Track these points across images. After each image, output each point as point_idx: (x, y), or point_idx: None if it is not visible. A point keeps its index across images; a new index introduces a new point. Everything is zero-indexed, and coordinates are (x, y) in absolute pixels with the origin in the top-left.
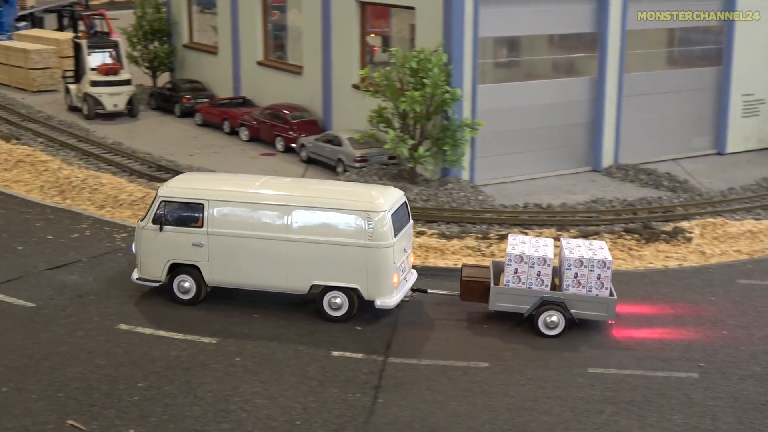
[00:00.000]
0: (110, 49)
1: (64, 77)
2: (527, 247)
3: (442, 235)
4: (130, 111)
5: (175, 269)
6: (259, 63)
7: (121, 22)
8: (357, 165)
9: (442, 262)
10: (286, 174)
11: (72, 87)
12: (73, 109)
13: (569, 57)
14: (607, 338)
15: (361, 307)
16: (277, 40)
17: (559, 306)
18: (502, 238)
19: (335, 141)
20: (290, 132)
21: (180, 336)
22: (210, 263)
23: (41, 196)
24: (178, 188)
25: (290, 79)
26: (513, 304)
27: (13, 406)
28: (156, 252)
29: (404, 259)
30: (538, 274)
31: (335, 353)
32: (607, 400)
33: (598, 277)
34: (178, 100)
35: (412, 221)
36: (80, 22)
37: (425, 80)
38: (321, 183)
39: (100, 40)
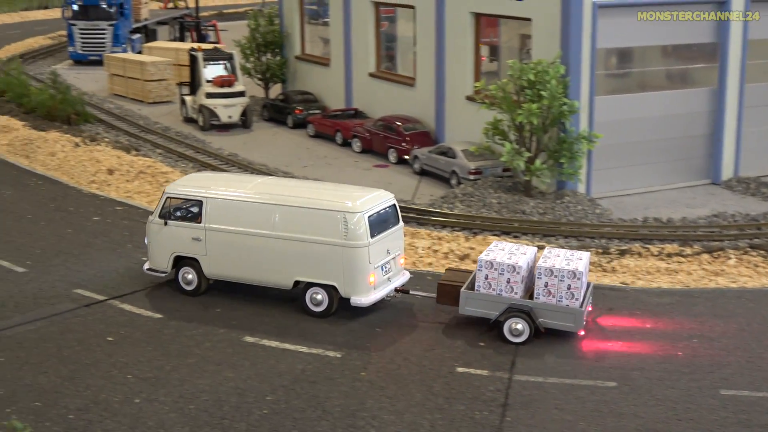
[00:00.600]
0: (225, 62)
1: (180, 85)
2: (504, 254)
3: None
4: (244, 122)
5: (180, 262)
6: (371, 74)
7: (230, 33)
8: (471, 177)
9: None
10: (400, 186)
11: (188, 99)
12: (189, 120)
13: (687, 68)
14: (739, 359)
15: (343, 305)
16: (386, 51)
17: (525, 314)
18: (623, 253)
19: (449, 153)
20: (403, 144)
21: (305, 349)
22: (207, 257)
23: None
24: (182, 186)
25: (402, 90)
26: (482, 309)
27: (146, 418)
28: (162, 245)
29: (388, 260)
30: (508, 281)
31: (460, 369)
32: (741, 423)
33: (569, 288)
34: (291, 111)
35: (401, 224)
36: (190, 33)
37: (543, 92)
38: (311, 184)
39: (216, 53)
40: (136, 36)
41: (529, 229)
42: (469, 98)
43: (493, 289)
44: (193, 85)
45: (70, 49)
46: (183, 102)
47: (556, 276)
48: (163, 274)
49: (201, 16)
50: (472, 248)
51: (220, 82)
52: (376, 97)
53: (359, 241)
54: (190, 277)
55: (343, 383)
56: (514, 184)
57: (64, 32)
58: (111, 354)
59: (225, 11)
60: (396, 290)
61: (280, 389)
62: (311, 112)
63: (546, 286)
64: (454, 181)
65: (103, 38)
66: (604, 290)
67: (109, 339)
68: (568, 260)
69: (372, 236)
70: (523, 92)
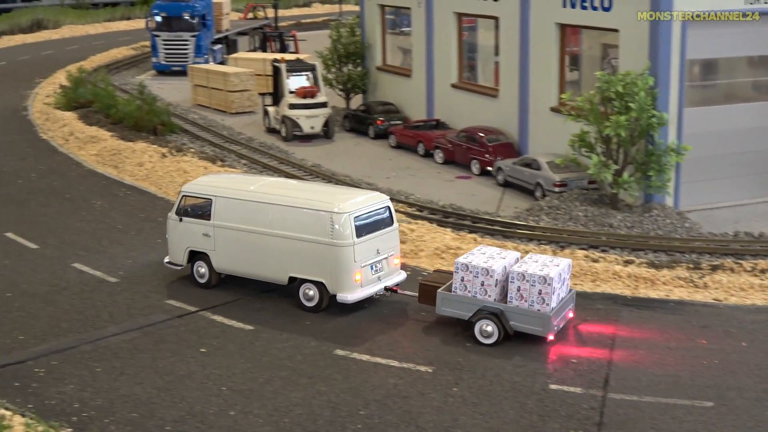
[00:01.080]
0: (308, 73)
1: (263, 95)
2: (482, 258)
3: (651, 265)
4: (326, 133)
5: (194, 256)
6: (453, 85)
7: (308, 43)
8: (556, 189)
9: (653, 293)
10: (483, 197)
11: (270, 109)
12: (271, 130)
13: None
14: None
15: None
16: (467, 61)
17: (495, 316)
18: (715, 268)
19: (534, 165)
20: (486, 155)
21: (395, 363)
22: (216, 252)
23: None
24: (197, 185)
25: (485, 101)
26: (456, 310)
27: (241, 430)
28: (178, 240)
29: (378, 260)
30: (482, 284)
31: (553, 386)
32: None
33: (539, 293)
34: (372, 122)
35: (396, 225)
36: (270, 43)
37: (631, 104)
38: (310, 185)
39: (299, 64)
40: (218, 46)
41: (617, 243)
42: (554, 109)
43: (469, 291)
44: (276, 95)
45: (154, 59)
46: (266, 113)
47: (527, 281)
48: (179, 267)
49: (280, 26)
50: None
51: (302, 93)
52: (457, 108)
53: (344, 241)
54: (202, 270)
55: (435, 399)
56: (600, 196)
57: (146, 43)
58: (205, 365)
59: (302, 21)
60: (385, 288)
61: (373, 404)
62: (392, 122)
63: (518, 290)
64: (538, 194)
65: (185, 49)
66: (696, 306)
67: (202, 350)
68: (544, 266)
69: (358, 236)
70: (611, 104)
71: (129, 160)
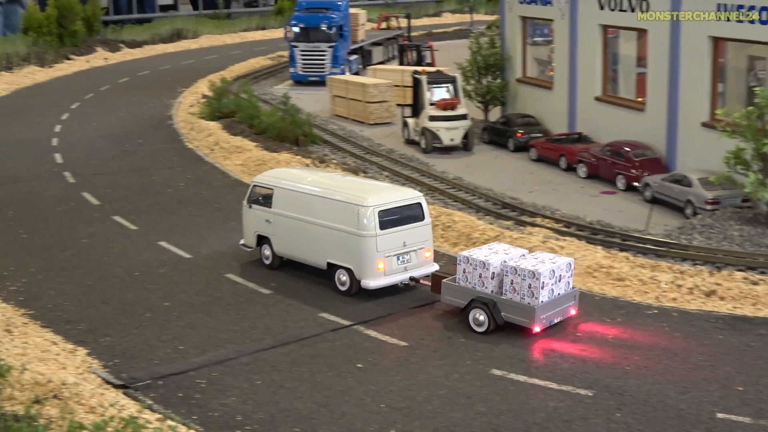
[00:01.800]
0: (448, 85)
1: (402, 107)
2: (487, 252)
3: None
4: (465, 145)
5: (261, 240)
6: (597, 98)
7: (440, 54)
8: (708, 207)
9: None
10: (630, 214)
11: (410, 121)
12: (410, 142)
13: None
14: None
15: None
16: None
17: (487, 306)
18: None
19: (684, 181)
20: (632, 170)
21: (554, 386)
22: (276, 237)
23: None
24: (264, 177)
25: (630, 115)
26: (455, 298)
27: None
28: (249, 224)
29: (405, 252)
30: (480, 276)
31: (720, 415)
32: None
33: (529, 287)
34: (512, 134)
35: (428, 220)
36: (407, 54)
37: None
38: (352, 180)
39: (439, 76)
40: (353, 57)
41: None
42: (706, 125)
43: (469, 283)
44: (416, 107)
45: (291, 69)
46: (405, 124)
47: (519, 275)
48: (250, 249)
49: (413, 36)
50: (718, 284)
51: (443, 105)
52: (601, 122)
53: (368, 232)
54: (267, 253)
55: (598, 424)
56: (755, 215)
57: (282, 53)
58: (362, 381)
59: (434, 31)
60: (410, 279)
61: (534, 427)
62: (533, 135)
63: (512, 283)
64: (689, 211)
65: (323, 60)
66: None
67: (359, 366)
68: (540, 263)
69: (382, 228)
70: None
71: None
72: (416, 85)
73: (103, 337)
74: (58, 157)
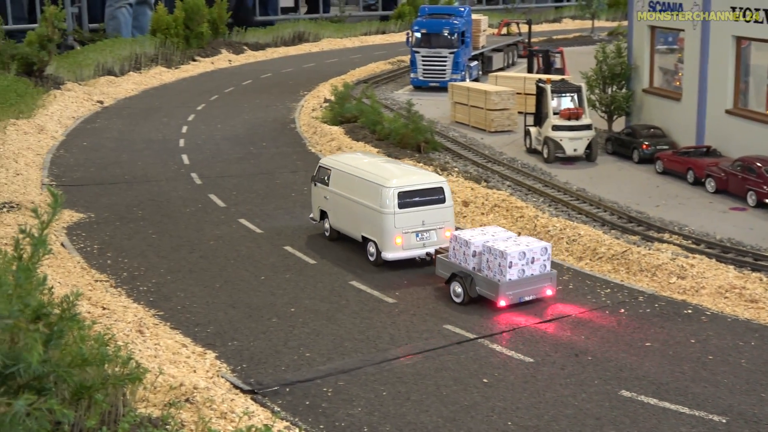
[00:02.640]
0: (573, 94)
1: (524, 115)
2: (476, 233)
3: None
4: (589, 156)
5: (323, 215)
6: (728, 111)
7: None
8: None
9: None
10: (762, 232)
11: (532, 130)
12: (532, 151)
13: None
14: None
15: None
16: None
17: (463, 279)
18: None
19: None
20: (764, 186)
21: (686, 410)
22: (331, 212)
23: None
24: (327, 159)
25: (762, 129)
26: (443, 271)
27: None
28: (314, 200)
29: (424, 230)
30: (464, 253)
31: None
32: None
33: (499, 265)
34: (637, 146)
35: (449, 203)
36: (537, 60)
37: None
38: (390, 164)
39: (564, 85)
40: (474, 63)
41: None
42: None
43: (456, 259)
44: (539, 116)
45: (412, 75)
46: (527, 133)
47: (492, 254)
48: (315, 222)
49: (533, 42)
50: None
51: (567, 114)
52: (732, 135)
53: (387, 209)
54: (327, 226)
55: None
56: None
57: (402, 57)
58: (488, 397)
59: (554, 37)
60: (427, 254)
61: None
62: (658, 147)
63: (487, 261)
64: None
65: (443, 65)
66: None
67: (485, 381)
68: (515, 245)
69: (401, 207)
70: None
71: None
72: (540, 93)
73: (231, 341)
74: (185, 158)
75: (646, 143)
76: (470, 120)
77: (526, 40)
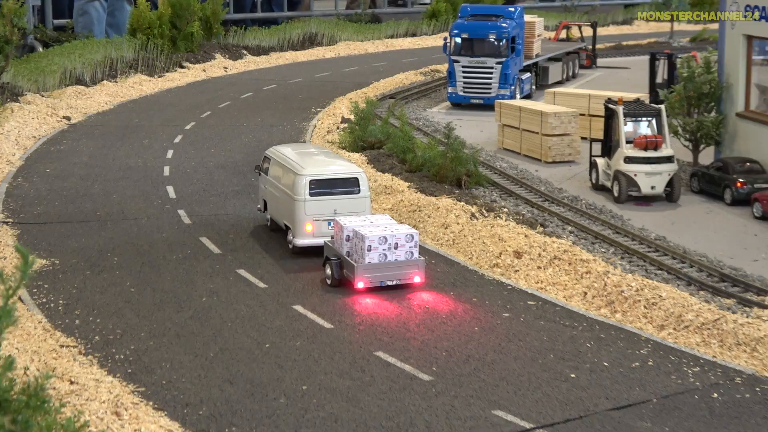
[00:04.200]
0: (651, 118)
1: (590, 142)
2: (355, 220)
3: None
4: (669, 195)
5: (266, 205)
6: None
7: (632, 73)
8: None
9: None
10: None
11: (600, 161)
12: (599, 188)
13: None
14: None
15: None
16: None
17: (331, 261)
18: None
19: None
20: None
21: None
22: (269, 200)
23: (585, 306)
24: (272, 148)
25: None
26: (327, 254)
27: None
28: (259, 189)
29: (336, 218)
30: (341, 238)
31: None
32: None
33: (361, 249)
34: (730, 183)
35: (363, 194)
36: (661, 64)
37: None
38: (317, 152)
39: (641, 107)
40: (526, 75)
41: None
42: None
43: (336, 244)
44: (608, 144)
45: (450, 89)
46: (593, 165)
47: (357, 238)
48: (260, 211)
49: (598, 48)
50: None
51: (643, 143)
52: None
53: (299, 196)
54: (268, 216)
55: None
56: None
57: (438, 67)
58: None
59: (624, 43)
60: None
61: None
62: (756, 186)
63: (354, 245)
64: None
65: (489, 78)
66: None
67: None
68: (381, 230)
69: (312, 195)
70: None
71: (431, 220)
72: (610, 116)
73: (229, 426)
74: (170, 191)
75: (741, 180)
76: (522, 147)
77: (590, 47)
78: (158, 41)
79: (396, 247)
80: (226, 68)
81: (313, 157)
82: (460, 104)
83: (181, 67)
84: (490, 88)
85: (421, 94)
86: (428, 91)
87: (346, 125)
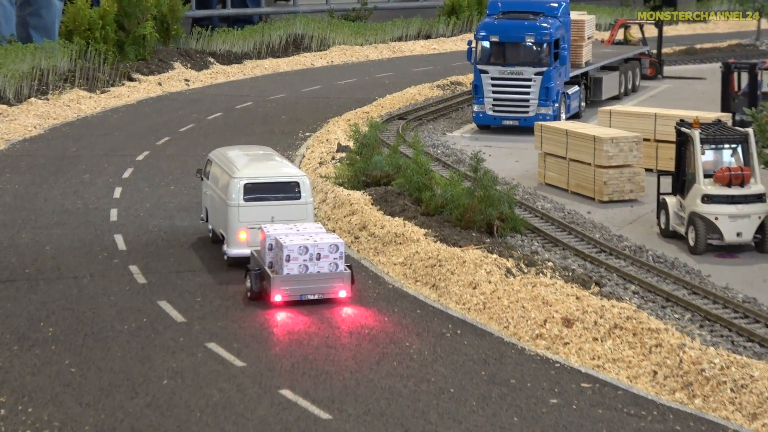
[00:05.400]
0: (735, 145)
1: (657, 175)
2: (282, 228)
3: None
4: (760, 244)
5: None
6: None
7: (708, 85)
8: None
9: None
10: None
11: (670, 201)
12: (670, 235)
13: None
14: None
15: None
16: None
17: (250, 273)
18: None
19: None
20: None
21: None
22: (209, 207)
23: (655, 389)
24: (215, 150)
25: None
26: (249, 265)
27: None
28: (202, 197)
29: (263, 226)
30: (264, 248)
31: None
32: None
33: (281, 258)
34: None
35: (304, 200)
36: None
37: None
38: (260, 154)
39: (721, 131)
40: (574, 90)
41: None
42: None
43: (260, 254)
44: (682, 179)
45: (476, 107)
46: (662, 205)
47: (278, 247)
48: (202, 221)
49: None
50: None
51: (726, 177)
52: None
53: (232, 202)
54: (210, 227)
55: None
56: None
57: (460, 78)
58: None
59: (697, 46)
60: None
61: None
62: None
63: (276, 255)
64: None
65: (526, 93)
66: None
67: None
68: (303, 239)
69: (246, 200)
70: None
71: (455, 277)
72: (683, 142)
73: None
74: (119, 241)
75: None
76: (570, 183)
77: (654, 52)
78: (101, 46)
79: (318, 258)
80: (188, 81)
81: (254, 159)
82: (489, 127)
83: (131, 79)
84: (528, 107)
85: (438, 114)
86: (448, 110)
87: (343, 155)
